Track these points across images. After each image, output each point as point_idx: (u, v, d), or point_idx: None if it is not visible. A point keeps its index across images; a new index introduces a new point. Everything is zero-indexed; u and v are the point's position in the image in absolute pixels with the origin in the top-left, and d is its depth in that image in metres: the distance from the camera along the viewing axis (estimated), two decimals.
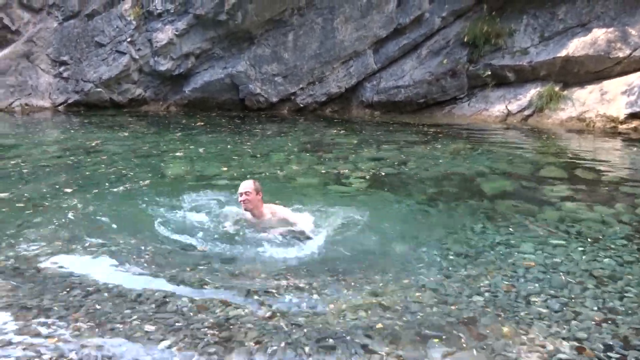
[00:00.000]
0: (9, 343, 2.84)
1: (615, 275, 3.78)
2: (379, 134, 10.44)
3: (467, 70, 12.11)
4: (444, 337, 2.93)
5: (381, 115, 12.80)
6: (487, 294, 3.48)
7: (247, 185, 4.69)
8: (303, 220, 4.76)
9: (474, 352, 2.78)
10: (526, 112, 11.35)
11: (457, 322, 3.10)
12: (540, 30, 11.61)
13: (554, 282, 3.66)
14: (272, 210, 4.86)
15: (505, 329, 3.00)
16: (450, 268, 3.96)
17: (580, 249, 4.31)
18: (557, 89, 11.05)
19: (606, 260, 4.05)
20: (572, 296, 3.45)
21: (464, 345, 2.86)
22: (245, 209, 4.76)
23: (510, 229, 4.78)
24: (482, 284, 3.64)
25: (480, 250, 4.30)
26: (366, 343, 2.84)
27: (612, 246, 4.34)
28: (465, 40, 12.06)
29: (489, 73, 11.80)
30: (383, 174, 7.02)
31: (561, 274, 3.82)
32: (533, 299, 3.40)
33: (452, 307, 3.28)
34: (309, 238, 4.43)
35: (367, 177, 6.85)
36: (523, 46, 11.64)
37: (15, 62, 14.52)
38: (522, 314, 3.19)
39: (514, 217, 5.15)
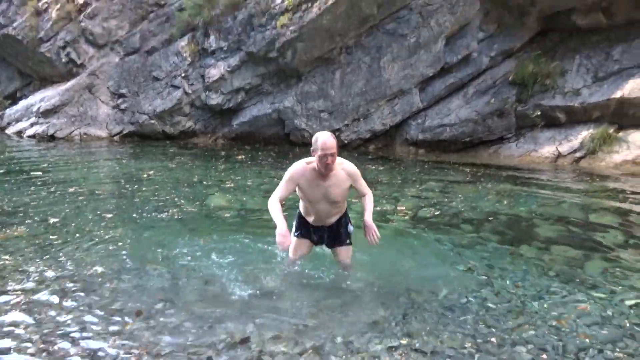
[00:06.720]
0: None
1: None
2: (422, 172, 10.33)
3: (515, 110, 11.91)
4: None
5: (425, 154, 12.69)
6: (530, 346, 3.31)
7: (334, 144, 3.81)
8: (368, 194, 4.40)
9: None
10: (577, 154, 10.95)
11: None
12: (594, 70, 11.33)
13: (605, 337, 3.44)
14: (341, 164, 4.08)
15: None
16: (487, 314, 3.79)
17: (633, 301, 4.04)
18: (611, 130, 10.68)
19: None
20: (625, 353, 3.22)
21: None
22: (328, 171, 3.94)
23: (558, 278, 4.55)
24: (526, 335, 3.46)
25: (525, 299, 4.11)
26: None
27: None
28: (512, 80, 11.96)
29: (539, 113, 11.55)
30: (425, 213, 6.90)
31: (612, 327, 3.59)
32: (581, 355, 3.20)
33: (494, 358, 3.13)
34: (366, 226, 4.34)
35: (408, 215, 6.76)
36: (575, 87, 11.37)
37: (78, 93, 15.49)
38: None
39: (562, 264, 4.91)
